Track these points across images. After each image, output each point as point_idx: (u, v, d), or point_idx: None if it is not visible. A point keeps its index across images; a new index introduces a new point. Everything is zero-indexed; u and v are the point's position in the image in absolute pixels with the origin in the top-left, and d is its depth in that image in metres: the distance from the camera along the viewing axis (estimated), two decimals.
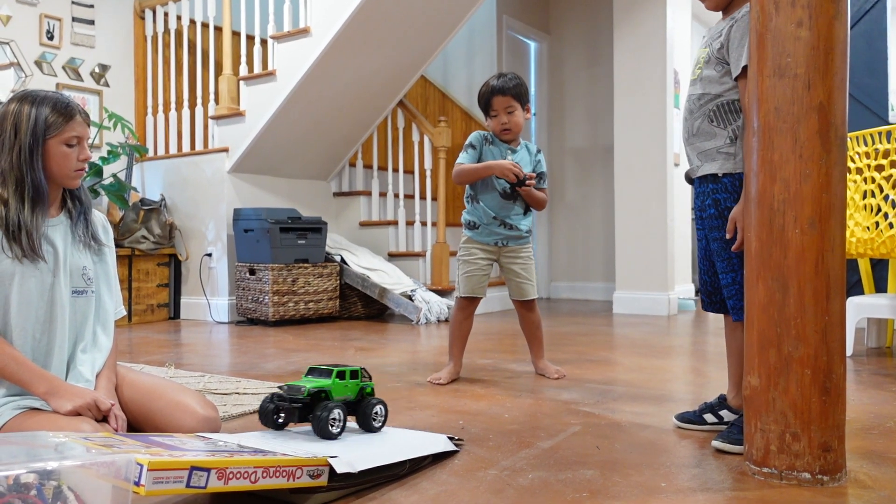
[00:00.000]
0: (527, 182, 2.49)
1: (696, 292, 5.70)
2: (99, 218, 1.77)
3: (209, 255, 4.65)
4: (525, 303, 2.68)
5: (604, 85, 6.06)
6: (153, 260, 4.65)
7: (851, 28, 4.11)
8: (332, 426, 1.57)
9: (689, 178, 1.82)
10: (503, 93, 2.52)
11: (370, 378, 1.77)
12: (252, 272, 4.36)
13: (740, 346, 1.74)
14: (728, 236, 1.68)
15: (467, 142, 2.59)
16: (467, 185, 2.61)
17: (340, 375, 1.68)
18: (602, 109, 6.13)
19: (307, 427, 1.64)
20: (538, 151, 2.67)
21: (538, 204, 2.61)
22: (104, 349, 1.69)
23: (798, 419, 1.43)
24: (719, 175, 1.70)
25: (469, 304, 2.66)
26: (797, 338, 1.43)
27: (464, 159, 2.55)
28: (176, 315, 4.80)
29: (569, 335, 3.87)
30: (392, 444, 1.60)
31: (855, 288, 4.06)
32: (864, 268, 3.75)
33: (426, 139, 4.97)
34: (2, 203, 1.57)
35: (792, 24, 1.43)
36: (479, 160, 2.56)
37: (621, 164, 5.02)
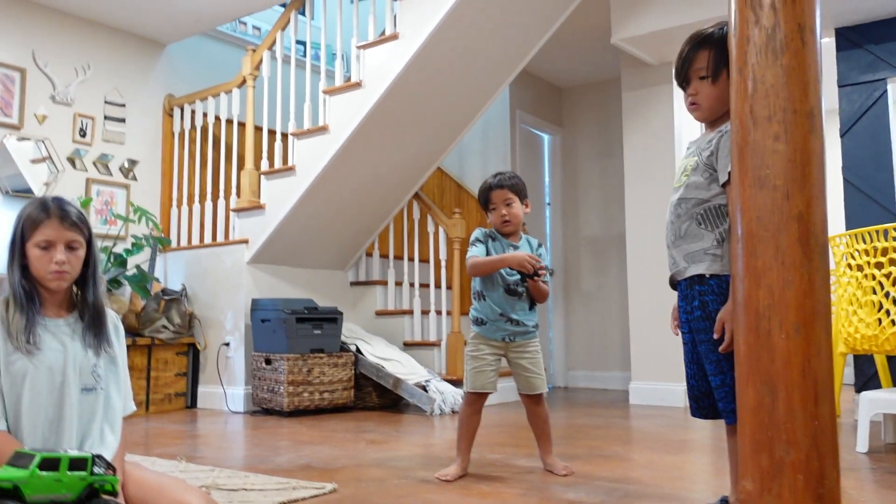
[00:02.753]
0: (539, 272, 2.55)
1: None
2: (111, 317, 1.84)
3: (227, 344, 4.72)
4: (533, 397, 2.69)
5: (616, 175, 6.18)
6: (172, 349, 4.72)
7: (854, 123, 4.21)
8: None
9: (674, 282, 1.86)
10: (500, 187, 2.63)
11: (113, 471, 1.37)
12: (268, 362, 4.41)
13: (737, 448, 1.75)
14: (716, 336, 1.71)
15: (473, 237, 2.67)
16: (474, 282, 2.68)
17: (48, 465, 1.27)
18: (615, 199, 6.23)
19: None
20: (539, 245, 2.74)
21: (542, 296, 2.68)
22: (111, 448, 1.73)
23: None
24: (706, 276, 1.74)
25: (477, 399, 2.68)
26: (788, 442, 1.44)
27: (475, 253, 2.63)
28: (193, 404, 4.84)
29: (583, 428, 3.84)
30: None
31: (872, 380, 4.02)
32: (881, 361, 3.73)
33: (441, 230, 5.08)
34: (4, 303, 1.68)
35: (769, 139, 1.50)
36: (487, 254, 2.63)
37: (633, 252, 5.08)
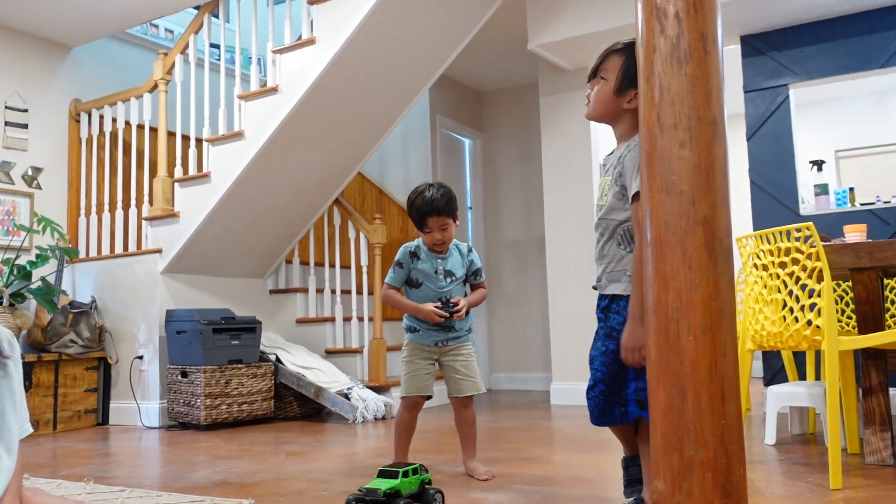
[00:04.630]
0: (454, 308, 2.62)
1: None
2: (4, 334, 1.74)
3: (140, 357, 4.55)
4: (463, 399, 2.74)
5: (535, 179, 6.26)
6: (81, 364, 4.53)
7: (759, 128, 4.39)
8: None
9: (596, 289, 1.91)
10: (438, 213, 2.62)
11: (427, 471, 2.21)
12: (184, 374, 4.27)
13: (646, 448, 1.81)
14: (625, 362, 1.77)
15: (396, 258, 2.71)
16: (407, 295, 2.72)
17: (405, 474, 2.11)
18: (535, 203, 6.31)
19: None
20: (469, 251, 2.79)
21: (480, 303, 2.76)
22: (6, 471, 1.64)
23: None
24: (621, 295, 1.79)
25: (415, 403, 2.72)
26: (697, 441, 1.48)
27: (392, 279, 2.69)
28: (105, 420, 4.65)
29: (505, 430, 3.87)
30: None
31: (780, 374, 4.19)
32: (787, 356, 3.89)
33: (362, 235, 5.04)
34: None
35: (675, 146, 1.54)
36: (409, 277, 2.69)
37: (553, 256, 5.15)
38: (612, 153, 1.92)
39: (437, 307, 2.60)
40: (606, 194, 1.85)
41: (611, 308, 1.82)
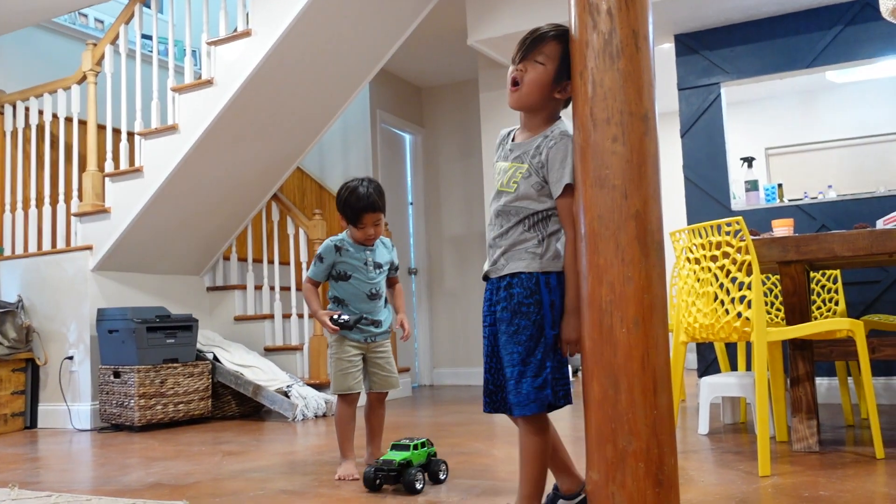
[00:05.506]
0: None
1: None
2: None
3: (70, 358, 4.41)
4: (381, 395, 2.79)
5: (475, 175, 6.29)
6: (8, 366, 4.35)
7: (693, 124, 4.48)
8: (417, 483, 2.27)
9: (486, 277, 1.84)
10: (374, 209, 2.62)
11: (432, 444, 2.45)
12: (117, 375, 4.15)
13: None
14: (565, 356, 1.75)
15: (319, 252, 2.71)
16: (333, 290, 2.73)
17: (415, 447, 2.36)
18: (475, 198, 6.33)
19: None
20: (392, 246, 2.84)
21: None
22: None
23: None
24: (522, 272, 1.73)
25: (354, 399, 2.72)
26: (630, 432, 1.50)
27: (313, 274, 2.70)
28: (33, 424, 4.49)
29: (446, 426, 3.88)
30: None
31: (713, 365, 4.29)
32: (720, 347, 3.98)
33: (301, 231, 4.98)
34: None
35: (608, 140, 1.56)
36: (333, 269, 2.68)
37: None
38: (512, 137, 1.85)
39: (332, 320, 2.61)
40: (516, 181, 1.76)
41: (513, 285, 1.73)
